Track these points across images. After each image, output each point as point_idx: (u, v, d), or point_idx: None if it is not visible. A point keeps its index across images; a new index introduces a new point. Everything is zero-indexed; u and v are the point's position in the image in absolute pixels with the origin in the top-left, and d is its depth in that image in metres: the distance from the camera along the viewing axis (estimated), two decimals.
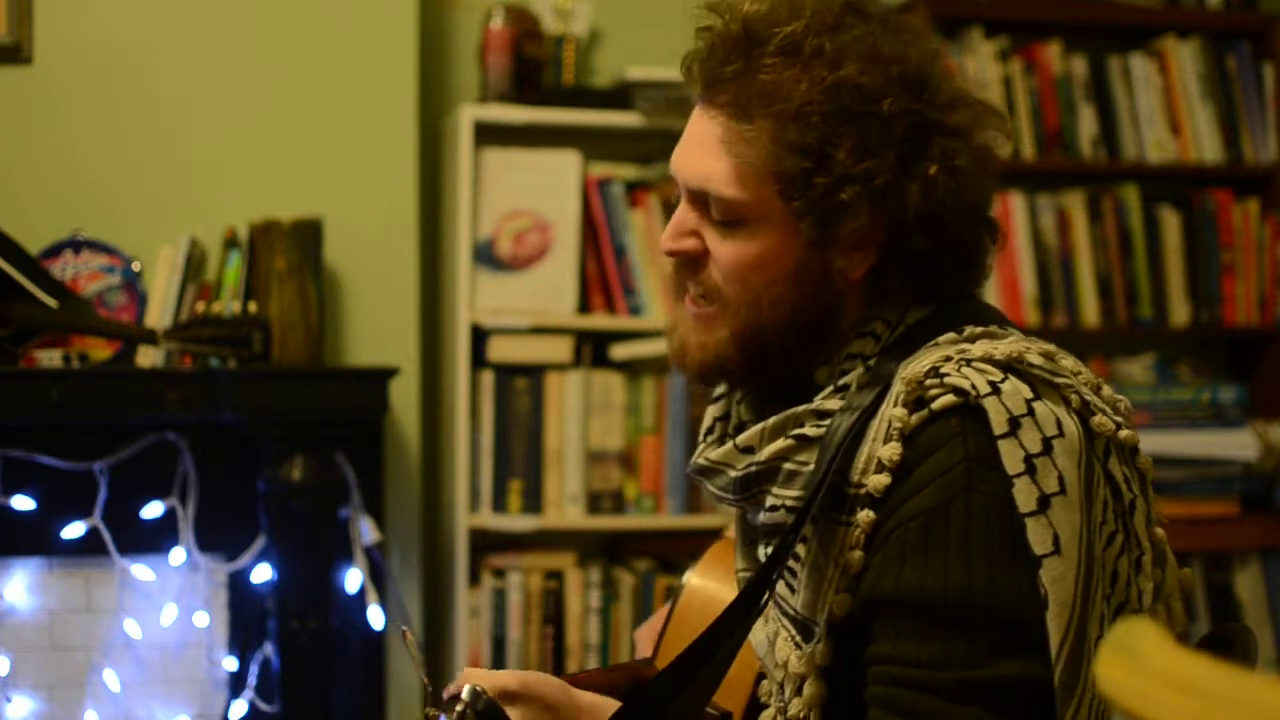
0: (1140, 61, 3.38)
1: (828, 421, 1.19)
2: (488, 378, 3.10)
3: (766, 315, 1.23)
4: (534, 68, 3.18)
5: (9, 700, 2.73)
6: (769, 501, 1.22)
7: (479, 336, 3.10)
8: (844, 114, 1.18)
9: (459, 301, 3.07)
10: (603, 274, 3.17)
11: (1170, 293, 3.38)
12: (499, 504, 3.10)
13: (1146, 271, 3.37)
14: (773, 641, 1.23)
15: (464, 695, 1.13)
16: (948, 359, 1.16)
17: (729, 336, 1.25)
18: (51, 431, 2.68)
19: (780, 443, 1.21)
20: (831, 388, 1.22)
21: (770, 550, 1.21)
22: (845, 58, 1.19)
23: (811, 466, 1.18)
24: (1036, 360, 1.16)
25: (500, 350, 3.09)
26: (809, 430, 1.20)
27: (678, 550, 3.17)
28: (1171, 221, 3.39)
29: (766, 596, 1.18)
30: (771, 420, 1.23)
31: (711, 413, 1.36)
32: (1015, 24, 3.35)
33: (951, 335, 1.20)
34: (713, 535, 3.04)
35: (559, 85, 3.21)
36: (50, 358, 2.68)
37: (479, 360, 3.10)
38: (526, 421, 3.11)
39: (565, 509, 3.12)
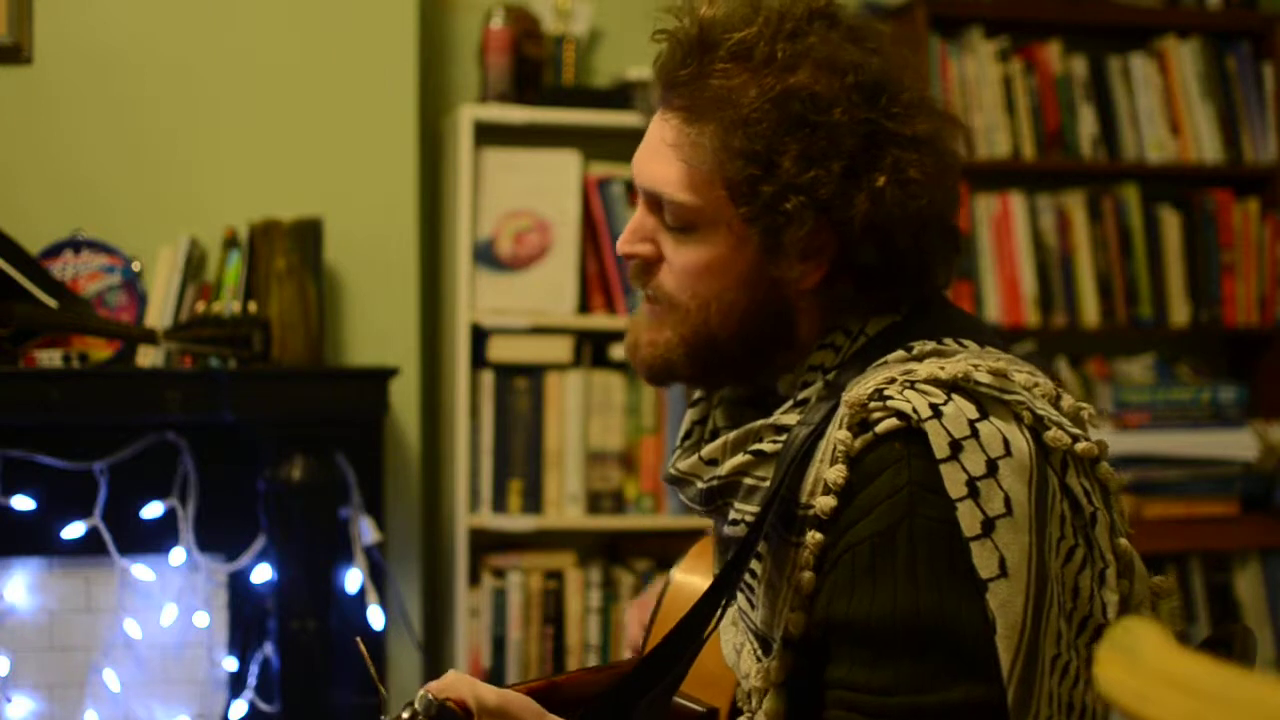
0: (1140, 61, 3.38)
1: (784, 437, 1.19)
2: (488, 378, 3.10)
3: (715, 321, 1.23)
4: (534, 68, 3.18)
5: (9, 700, 2.73)
6: (731, 515, 1.22)
7: (479, 336, 3.10)
8: (792, 121, 1.16)
9: (459, 301, 3.07)
10: (603, 274, 3.17)
11: (1170, 293, 3.38)
12: (499, 504, 3.10)
13: (1146, 271, 3.37)
14: (739, 651, 1.24)
15: (417, 704, 1.13)
16: (892, 380, 1.15)
17: (678, 340, 1.25)
18: (51, 431, 2.68)
19: (740, 458, 1.21)
20: (791, 401, 1.22)
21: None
22: (799, 64, 1.17)
23: (769, 483, 1.18)
24: (984, 379, 1.14)
25: (500, 350, 3.09)
26: (766, 446, 1.20)
27: (677, 550, 3.14)
28: (1171, 221, 3.39)
29: (719, 614, 1.18)
30: (733, 434, 1.23)
31: (690, 416, 1.36)
32: (1015, 24, 3.35)
33: (901, 353, 1.19)
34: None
35: (559, 85, 3.21)
36: (50, 358, 2.68)
37: (479, 360, 3.10)
38: (526, 421, 3.11)
39: (565, 509, 3.12)
